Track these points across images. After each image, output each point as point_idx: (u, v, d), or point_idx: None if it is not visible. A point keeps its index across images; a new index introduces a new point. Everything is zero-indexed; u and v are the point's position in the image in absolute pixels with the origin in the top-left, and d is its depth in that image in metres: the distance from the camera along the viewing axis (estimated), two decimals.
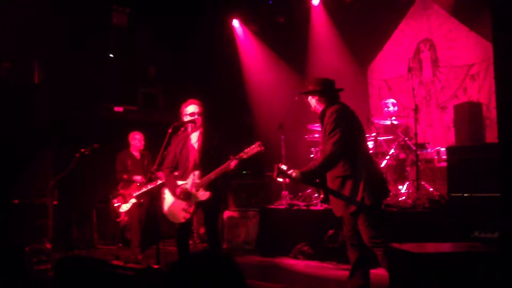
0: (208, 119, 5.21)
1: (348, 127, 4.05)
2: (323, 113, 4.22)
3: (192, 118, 5.00)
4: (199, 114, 5.03)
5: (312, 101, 4.34)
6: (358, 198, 3.97)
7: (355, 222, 4.13)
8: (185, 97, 5.26)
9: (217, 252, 1.57)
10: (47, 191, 6.68)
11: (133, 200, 6.60)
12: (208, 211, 4.95)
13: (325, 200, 4.30)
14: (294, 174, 4.00)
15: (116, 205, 6.69)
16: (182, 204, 4.90)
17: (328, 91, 4.30)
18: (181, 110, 5.12)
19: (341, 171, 4.05)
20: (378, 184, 4.15)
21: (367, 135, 6.96)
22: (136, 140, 6.97)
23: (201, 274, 1.46)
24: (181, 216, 4.90)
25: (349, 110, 4.26)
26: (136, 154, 7.02)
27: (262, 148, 4.65)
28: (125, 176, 6.77)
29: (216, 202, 4.97)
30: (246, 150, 4.69)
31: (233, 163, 4.69)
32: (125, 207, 6.61)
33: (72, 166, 6.74)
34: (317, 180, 4.25)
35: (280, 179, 4.16)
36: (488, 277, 2.84)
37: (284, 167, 4.05)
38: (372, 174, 4.11)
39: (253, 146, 4.67)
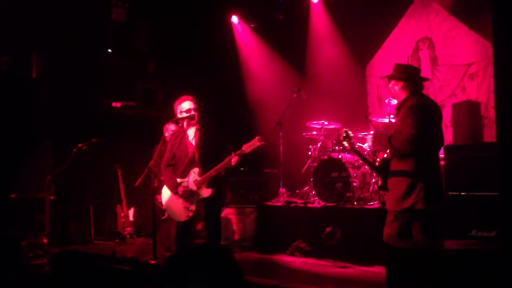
0: (205, 115, 5.20)
1: (423, 123, 3.95)
2: (403, 103, 4.15)
3: (189, 114, 4.99)
4: (195, 109, 5.01)
5: (395, 87, 4.26)
6: (412, 199, 3.89)
7: (400, 221, 4.01)
8: (183, 93, 5.24)
9: (215, 246, 1.56)
10: (44, 186, 6.66)
11: None
12: (209, 207, 4.92)
13: (382, 187, 4.26)
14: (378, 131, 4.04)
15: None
16: (183, 202, 4.88)
17: (413, 79, 4.22)
18: (175, 107, 5.10)
19: (403, 165, 3.99)
20: (436, 190, 4.03)
21: (364, 133, 7.05)
22: (170, 131, 6.83)
23: (198, 267, 1.46)
24: (184, 214, 4.89)
25: (429, 104, 4.18)
26: None
27: (262, 142, 4.65)
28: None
29: (217, 198, 4.95)
30: (247, 145, 4.69)
31: (234, 159, 4.68)
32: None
33: (69, 161, 6.74)
34: (379, 165, 4.24)
35: (346, 143, 4.20)
36: (485, 275, 2.85)
37: (351, 133, 4.11)
38: (433, 178, 4.01)
39: (253, 140, 4.67)
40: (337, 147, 7.03)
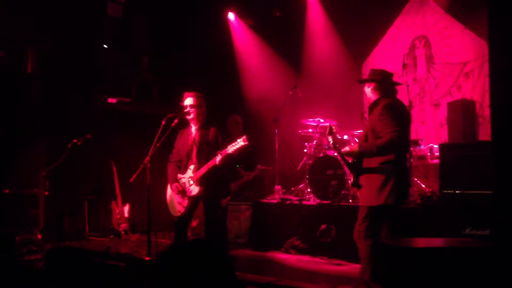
0: (207, 112, 5.19)
1: (399, 122, 4.11)
2: (375, 103, 4.30)
3: (185, 110, 5.00)
4: (192, 106, 5.00)
5: (368, 90, 4.41)
6: (385, 195, 4.02)
7: (372, 217, 4.14)
8: (179, 89, 5.25)
9: (206, 243, 1.57)
10: (39, 182, 6.63)
11: None
12: (204, 205, 4.97)
13: (354, 184, 4.33)
14: (348, 148, 4.22)
15: None
16: (178, 198, 4.96)
17: (384, 82, 4.37)
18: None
19: (378, 162, 4.10)
20: (406, 186, 4.26)
21: (360, 131, 7.06)
22: None
23: (188, 263, 1.46)
24: (177, 209, 4.96)
25: (401, 106, 4.34)
26: None
27: (247, 142, 4.58)
28: None
29: (212, 196, 4.96)
30: (231, 144, 4.65)
31: (218, 158, 4.68)
32: None
33: (64, 157, 6.71)
34: (352, 161, 4.33)
35: (330, 139, 4.36)
36: (479, 272, 2.86)
37: (334, 128, 4.35)
38: (404, 174, 4.18)
39: (238, 140, 4.62)
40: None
